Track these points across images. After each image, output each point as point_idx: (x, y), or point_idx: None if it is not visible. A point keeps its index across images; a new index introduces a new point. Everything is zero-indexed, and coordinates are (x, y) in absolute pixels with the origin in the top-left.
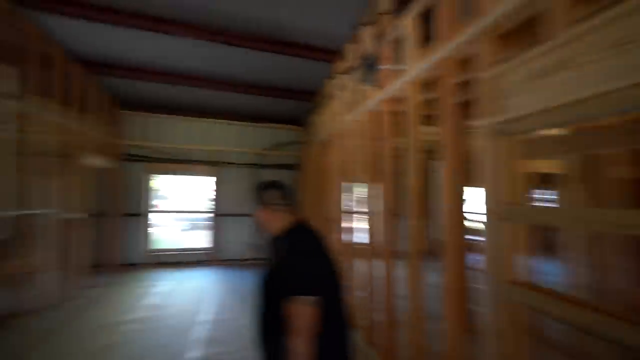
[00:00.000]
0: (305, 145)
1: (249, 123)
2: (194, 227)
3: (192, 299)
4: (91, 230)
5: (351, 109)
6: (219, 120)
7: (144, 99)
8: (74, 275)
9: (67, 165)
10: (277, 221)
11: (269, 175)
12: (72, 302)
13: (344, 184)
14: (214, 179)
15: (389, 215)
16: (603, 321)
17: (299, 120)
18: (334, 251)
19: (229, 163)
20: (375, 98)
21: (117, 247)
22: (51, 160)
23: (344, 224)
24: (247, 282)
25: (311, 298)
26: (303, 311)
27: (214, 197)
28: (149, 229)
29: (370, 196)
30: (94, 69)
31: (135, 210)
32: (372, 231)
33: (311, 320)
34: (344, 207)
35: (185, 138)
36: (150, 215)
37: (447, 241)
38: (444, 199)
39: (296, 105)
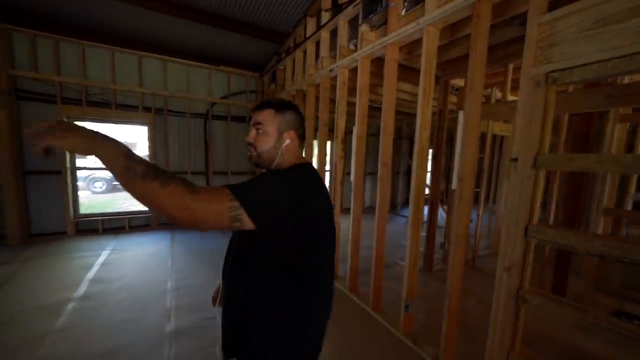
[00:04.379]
0: (268, 96)
1: (198, 63)
2: (114, 189)
3: (144, 267)
4: None
5: (340, 55)
6: (159, 56)
7: (44, 12)
8: None
9: None
10: (289, 155)
11: (219, 128)
12: None
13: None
14: (149, 129)
15: (361, 173)
16: (610, 246)
17: (258, 66)
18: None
19: (169, 111)
20: (377, 43)
21: (23, 213)
22: None
23: None
24: (204, 244)
25: (236, 204)
26: (218, 200)
27: (151, 151)
28: (74, 190)
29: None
30: None
31: (48, 166)
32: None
33: (211, 213)
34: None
35: (113, 75)
36: (74, 172)
37: (462, 189)
38: (464, 146)
39: (258, 47)
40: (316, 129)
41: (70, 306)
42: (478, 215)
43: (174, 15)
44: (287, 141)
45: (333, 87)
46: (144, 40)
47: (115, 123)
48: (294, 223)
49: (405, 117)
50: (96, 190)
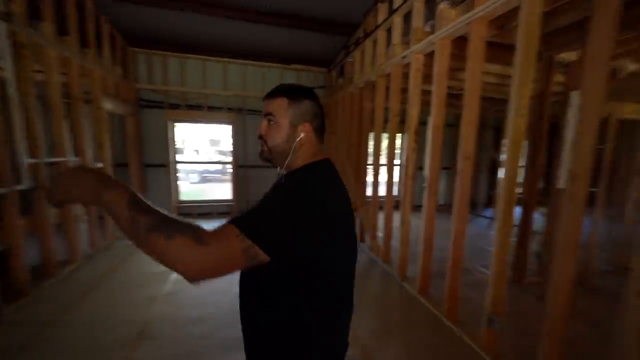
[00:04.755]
0: (336, 90)
1: (271, 64)
2: (204, 180)
3: None
4: None
5: (415, 39)
6: (238, 61)
7: (157, 35)
8: (105, 227)
9: (79, 108)
10: (303, 150)
11: None
12: (106, 252)
13: (389, 133)
14: (232, 127)
15: (436, 169)
16: None
17: (327, 62)
18: (354, 214)
19: (248, 110)
20: (459, 20)
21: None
22: (62, 103)
23: (378, 177)
24: None
25: (251, 244)
26: (226, 243)
27: (233, 147)
28: (175, 180)
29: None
30: None
31: (159, 161)
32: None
33: (219, 261)
34: (387, 158)
35: (203, 81)
36: (175, 166)
37: (575, 188)
38: (580, 135)
39: (326, 42)
40: (386, 121)
41: (173, 276)
42: (593, 221)
43: (256, 22)
44: (302, 135)
45: (405, 76)
46: (228, 48)
47: (206, 123)
48: (312, 244)
49: (490, 104)
50: (191, 180)
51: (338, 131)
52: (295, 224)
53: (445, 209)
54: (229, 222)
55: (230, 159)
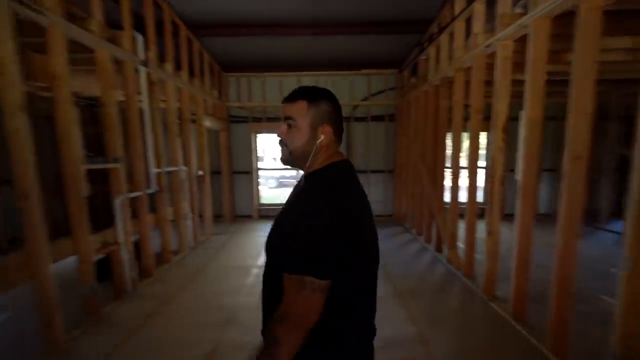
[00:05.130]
0: (408, 90)
1: (341, 72)
2: (281, 185)
3: None
4: (213, 186)
5: (502, 25)
6: (310, 73)
7: (243, 60)
8: (204, 223)
9: (187, 127)
10: (323, 151)
11: (359, 129)
12: (204, 245)
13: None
14: None
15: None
16: None
17: (398, 62)
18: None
19: None
20: None
21: (232, 200)
22: (176, 123)
23: (458, 181)
24: None
25: (320, 282)
26: (303, 297)
27: None
28: (256, 185)
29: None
30: (198, 31)
31: (244, 168)
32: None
33: (312, 311)
34: (468, 160)
35: (280, 95)
36: (257, 172)
37: None
38: None
39: (397, 42)
40: (465, 119)
41: (254, 270)
42: None
43: (326, 34)
44: (322, 137)
45: (488, 68)
46: (301, 62)
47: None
48: (350, 250)
49: (612, 87)
50: (270, 185)
51: (410, 132)
52: (333, 240)
53: (550, 219)
54: (295, 282)
55: None
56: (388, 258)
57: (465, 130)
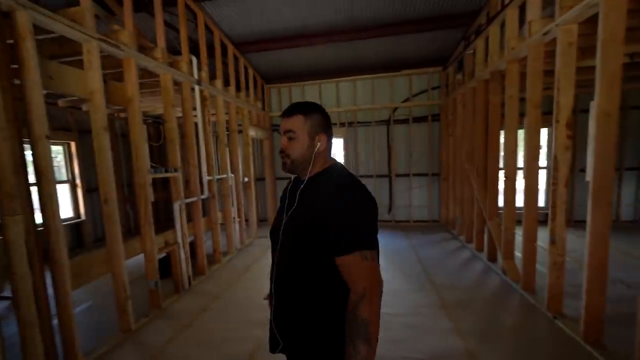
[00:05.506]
0: (453, 88)
1: (379, 74)
2: None
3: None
4: (257, 192)
5: (562, 8)
6: (347, 79)
7: (283, 71)
8: (249, 227)
9: (235, 137)
10: (320, 157)
11: (400, 131)
12: (250, 247)
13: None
14: (342, 141)
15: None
16: None
17: (441, 60)
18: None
19: (358, 122)
20: None
21: (275, 205)
22: (225, 134)
23: (514, 184)
24: (388, 244)
25: (372, 252)
26: (367, 268)
27: (344, 159)
28: None
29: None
30: (242, 48)
31: (286, 174)
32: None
33: (377, 276)
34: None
35: (320, 102)
36: None
37: None
38: None
39: (440, 39)
40: (521, 115)
41: None
42: None
43: (363, 38)
44: (318, 144)
45: (547, 56)
46: (339, 68)
47: None
48: (376, 228)
49: None
50: None
51: (457, 132)
52: (373, 217)
53: (631, 226)
54: (354, 252)
55: None
56: (433, 266)
57: (521, 127)
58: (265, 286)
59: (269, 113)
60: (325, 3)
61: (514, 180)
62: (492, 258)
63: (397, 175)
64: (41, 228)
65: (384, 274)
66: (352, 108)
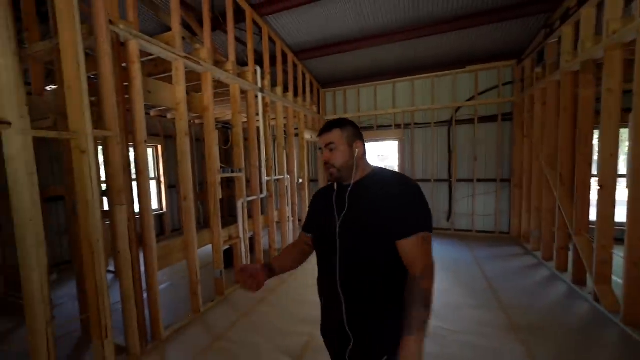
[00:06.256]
0: (529, 83)
1: (439, 72)
2: None
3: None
4: (310, 193)
5: None
6: (404, 79)
7: (338, 74)
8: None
9: (291, 140)
10: (361, 162)
11: (464, 132)
12: None
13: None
14: (399, 143)
15: None
16: None
17: (514, 52)
18: None
19: (415, 124)
20: None
21: None
22: (282, 137)
23: (614, 194)
24: (445, 254)
25: (430, 234)
26: (428, 249)
27: (399, 162)
28: None
29: None
30: (301, 55)
31: None
32: None
33: (432, 257)
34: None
35: (375, 104)
36: None
37: None
38: None
39: (514, 29)
40: (624, 110)
41: None
42: None
43: (427, 35)
44: (357, 150)
45: None
46: (397, 68)
47: (375, 141)
48: None
49: None
50: None
51: (535, 132)
52: (427, 204)
53: None
54: (426, 241)
55: None
56: (500, 283)
57: (624, 126)
58: (315, 282)
59: (323, 117)
60: (390, 5)
61: (613, 189)
62: (579, 280)
63: (459, 180)
64: (137, 217)
65: (441, 285)
66: (410, 109)
